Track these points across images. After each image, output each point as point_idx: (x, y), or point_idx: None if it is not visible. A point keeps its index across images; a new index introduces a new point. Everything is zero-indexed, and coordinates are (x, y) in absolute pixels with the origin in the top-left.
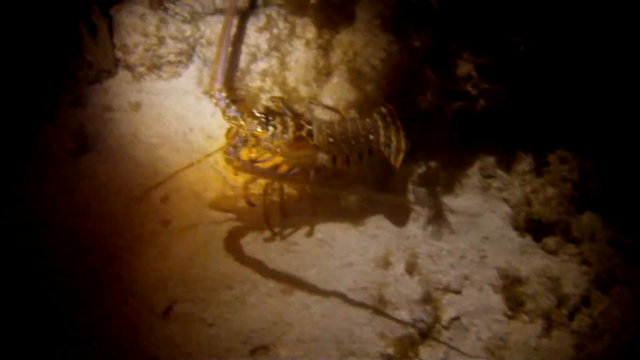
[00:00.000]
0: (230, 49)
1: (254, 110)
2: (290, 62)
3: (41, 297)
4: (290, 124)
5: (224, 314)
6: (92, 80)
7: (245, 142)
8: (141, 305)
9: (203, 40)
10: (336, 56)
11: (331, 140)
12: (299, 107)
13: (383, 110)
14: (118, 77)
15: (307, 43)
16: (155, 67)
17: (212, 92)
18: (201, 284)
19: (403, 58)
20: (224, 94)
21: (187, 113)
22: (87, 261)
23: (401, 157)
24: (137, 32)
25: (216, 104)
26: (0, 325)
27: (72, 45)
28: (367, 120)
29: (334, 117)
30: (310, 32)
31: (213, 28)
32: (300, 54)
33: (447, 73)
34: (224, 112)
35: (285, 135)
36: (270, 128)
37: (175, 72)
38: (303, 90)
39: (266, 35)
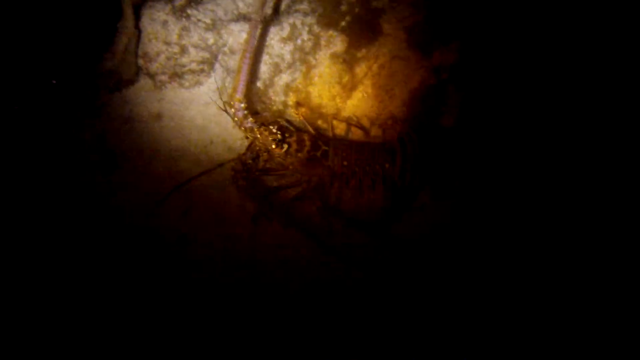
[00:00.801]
0: (253, 59)
1: (272, 126)
2: (314, 76)
3: None
4: (307, 142)
5: None
6: (113, 88)
7: (257, 157)
8: None
9: (226, 49)
10: (361, 70)
11: (345, 164)
12: (322, 123)
13: (405, 139)
14: (139, 85)
15: (333, 56)
16: (176, 75)
17: (232, 102)
18: None
19: (428, 75)
20: (242, 105)
21: (208, 124)
22: None
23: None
24: (159, 40)
25: (234, 115)
26: None
27: (97, 54)
28: (387, 147)
29: (356, 135)
30: (336, 45)
31: (236, 36)
32: (325, 68)
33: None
34: (240, 123)
35: (300, 154)
36: (285, 145)
37: (197, 81)
38: (327, 106)
39: (290, 46)
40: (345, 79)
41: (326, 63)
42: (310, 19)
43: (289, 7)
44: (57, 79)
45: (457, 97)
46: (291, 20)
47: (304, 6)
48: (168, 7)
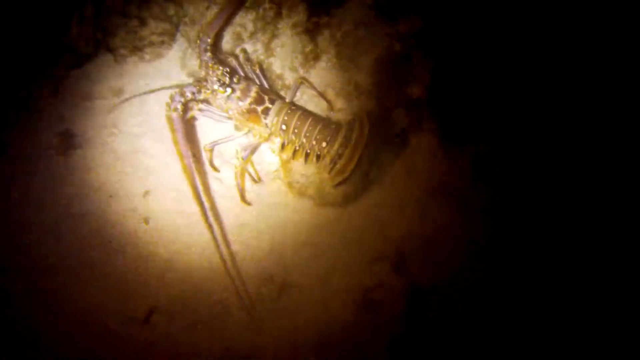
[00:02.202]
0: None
1: (225, 67)
2: (275, 47)
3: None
4: (253, 94)
5: None
6: (72, 64)
7: (199, 92)
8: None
9: (186, 19)
10: (324, 39)
11: (284, 128)
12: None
13: (356, 125)
14: (99, 60)
15: (295, 25)
16: (137, 49)
17: (200, 34)
18: None
19: (394, 42)
20: (209, 40)
21: None
22: (65, 264)
23: (339, 179)
24: (117, 13)
25: (197, 46)
26: None
27: (54, 31)
28: (333, 126)
29: (319, 107)
30: (299, 13)
31: (197, 6)
32: (287, 38)
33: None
34: (199, 55)
35: (240, 103)
36: (229, 89)
37: (158, 54)
38: (289, 77)
39: (252, 15)
40: (308, 48)
41: (288, 33)
42: None
43: None
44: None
45: (425, 65)
46: None
47: None
48: None
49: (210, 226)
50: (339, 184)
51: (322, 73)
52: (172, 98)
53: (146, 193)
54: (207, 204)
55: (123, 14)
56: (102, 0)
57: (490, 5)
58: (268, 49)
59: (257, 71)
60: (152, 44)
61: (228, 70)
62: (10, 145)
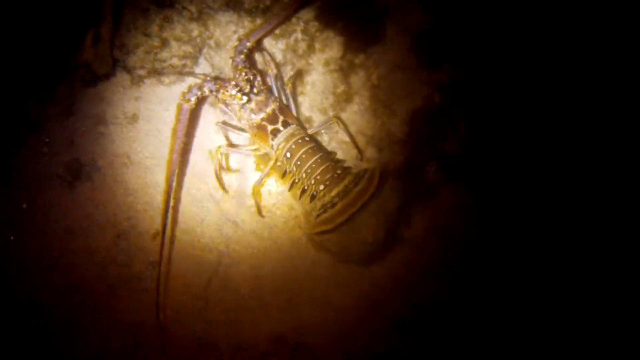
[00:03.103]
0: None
1: (251, 76)
2: (306, 83)
3: None
4: (268, 110)
5: None
6: (86, 82)
7: (217, 91)
8: None
9: (212, 42)
10: (358, 79)
11: (288, 156)
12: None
13: (364, 179)
14: (115, 80)
15: (328, 62)
16: (156, 71)
17: (242, 37)
18: None
19: (433, 91)
20: (248, 44)
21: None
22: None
23: (322, 228)
24: (138, 30)
25: (234, 47)
26: None
27: (68, 46)
28: (339, 172)
29: (349, 154)
30: (333, 49)
31: (224, 29)
32: (318, 75)
33: None
34: (233, 55)
35: (253, 116)
36: (245, 98)
37: (178, 78)
38: (318, 120)
39: (282, 44)
40: (341, 89)
41: (320, 70)
42: (307, 13)
43: None
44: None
45: (464, 121)
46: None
47: None
48: None
49: (164, 227)
50: (320, 233)
51: (353, 117)
52: (189, 89)
53: (156, 234)
54: (171, 203)
55: (144, 33)
56: (121, 15)
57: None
58: (297, 85)
59: (287, 91)
60: (172, 67)
61: (252, 78)
62: (15, 169)
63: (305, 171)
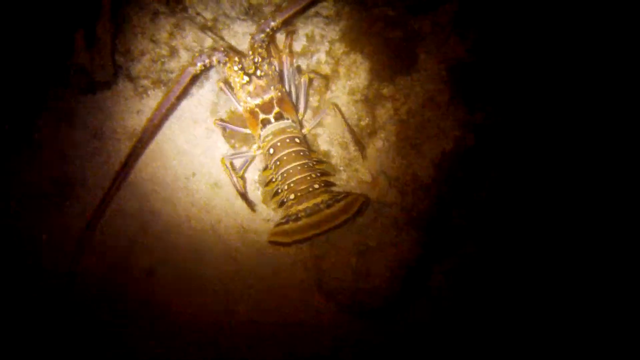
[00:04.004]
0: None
1: (264, 56)
2: (326, 114)
3: None
4: (266, 97)
5: None
6: (85, 89)
7: (224, 64)
8: None
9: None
10: (385, 112)
11: (271, 152)
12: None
13: (340, 203)
14: (116, 89)
15: (353, 91)
16: (161, 82)
17: (268, 15)
18: None
19: (468, 134)
20: (273, 24)
21: (193, 149)
22: None
23: (277, 239)
24: (146, 36)
25: (258, 25)
26: None
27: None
28: (316, 186)
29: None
30: (359, 76)
31: (240, 39)
32: (341, 105)
33: None
34: (255, 32)
35: (249, 99)
36: (246, 78)
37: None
38: (337, 155)
39: (302, 65)
40: (365, 121)
41: (344, 99)
42: (333, 32)
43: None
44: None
45: (500, 169)
46: (309, 29)
47: (329, 10)
48: None
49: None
50: (274, 243)
51: (376, 154)
52: (200, 53)
53: (150, 271)
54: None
55: (152, 39)
56: (126, 16)
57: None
58: (316, 114)
59: (302, 82)
60: None
61: (260, 60)
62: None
63: (282, 174)
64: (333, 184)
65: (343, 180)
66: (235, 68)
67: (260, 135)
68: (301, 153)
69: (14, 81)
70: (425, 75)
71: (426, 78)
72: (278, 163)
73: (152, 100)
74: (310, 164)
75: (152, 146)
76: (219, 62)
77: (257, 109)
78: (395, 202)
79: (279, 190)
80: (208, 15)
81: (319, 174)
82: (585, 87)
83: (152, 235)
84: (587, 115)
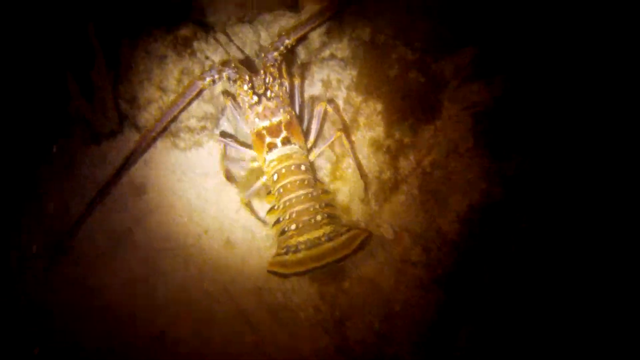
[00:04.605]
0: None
1: (276, 77)
2: (347, 167)
3: None
4: (274, 121)
5: None
6: (89, 139)
7: (234, 82)
8: None
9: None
10: (407, 164)
11: (275, 178)
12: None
13: (342, 238)
14: (122, 138)
15: (373, 142)
16: (170, 132)
17: (283, 33)
18: None
19: (496, 187)
20: (287, 42)
21: (204, 205)
22: None
23: (275, 270)
24: (153, 83)
25: (273, 43)
26: None
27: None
28: (319, 218)
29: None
30: (380, 125)
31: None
32: (362, 158)
33: None
34: (267, 50)
35: (256, 120)
36: (255, 98)
37: (195, 142)
38: (357, 211)
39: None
40: (387, 174)
41: (365, 151)
42: (349, 77)
43: (322, 46)
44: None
45: (530, 224)
46: (324, 74)
47: (343, 52)
48: (169, 38)
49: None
50: (273, 273)
51: (399, 209)
52: (210, 68)
53: (160, 336)
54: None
55: (159, 86)
56: (127, 61)
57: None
58: (336, 168)
59: (314, 111)
60: (189, 129)
61: (271, 81)
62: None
63: (284, 202)
64: (337, 216)
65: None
66: (245, 87)
67: (265, 160)
68: (306, 182)
69: (13, 131)
70: (449, 123)
71: (450, 126)
72: (281, 190)
73: (160, 153)
74: (315, 194)
75: (162, 203)
76: (228, 78)
77: (264, 132)
78: (420, 260)
79: (281, 219)
80: (217, 58)
81: (323, 205)
82: (618, 135)
83: (162, 297)
84: (620, 165)
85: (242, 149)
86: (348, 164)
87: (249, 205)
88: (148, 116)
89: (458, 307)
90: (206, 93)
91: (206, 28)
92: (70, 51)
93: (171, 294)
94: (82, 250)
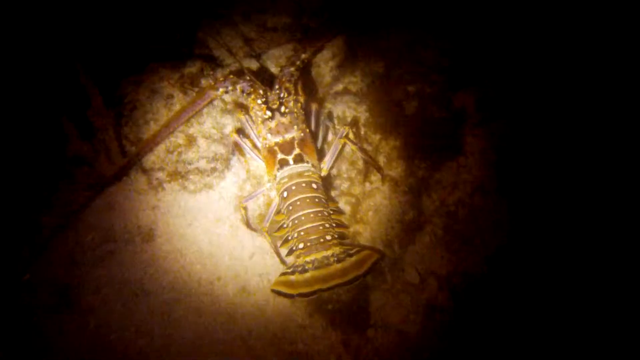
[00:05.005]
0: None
1: (292, 92)
2: (368, 209)
3: None
4: (287, 137)
5: None
6: (91, 184)
7: (248, 95)
8: None
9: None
10: (431, 203)
11: (284, 195)
12: None
13: (352, 259)
14: (128, 182)
15: (396, 182)
16: (179, 174)
17: (299, 47)
18: None
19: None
20: (304, 56)
21: (217, 251)
22: None
23: (280, 289)
24: (159, 124)
25: (289, 57)
26: None
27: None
28: (328, 237)
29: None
30: (400, 165)
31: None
32: (383, 199)
33: None
34: (284, 66)
35: (269, 136)
36: (269, 113)
37: (206, 184)
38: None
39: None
40: (410, 215)
41: (386, 191)
42: (366, 113)
43: (335, 80)
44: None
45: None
46: (339, 110)
47: (357, 85)
48: (176, 76)
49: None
50: (277, 293)
51: (423, 251)
52: (225, 78)
53: None
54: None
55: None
56: (131, 101)
57: None
58: (356, 211)
59: (329, 129)
60: (199, 170)
61: (286, 96)
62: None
63: (293, 220)
64: (345, 237)
65: (388, 283)
66: (259, 101)
67: (276, 177)
68: (316, 200)
69: (12, 178)
70: (473, 159)
71: (474, 163)
72: (290, 208)
73: (169, 196)
74: (326, 213)
75: (172, 250)
76: (242, 91)
77: (276, 148)
78: (449, 307)
79: (289, 238)
80: (227, 98)
81: (333, 225)
82: None
83: (175, 350)
84: None
85: (255, 155)
86: (369, 206)
87: (244, 210)
88: (155, 158)
89: (489, 356)
90: (215, 133)
91: (213, 64)
92: (67, 92)
93: (186, 347)
94: (91, 302)
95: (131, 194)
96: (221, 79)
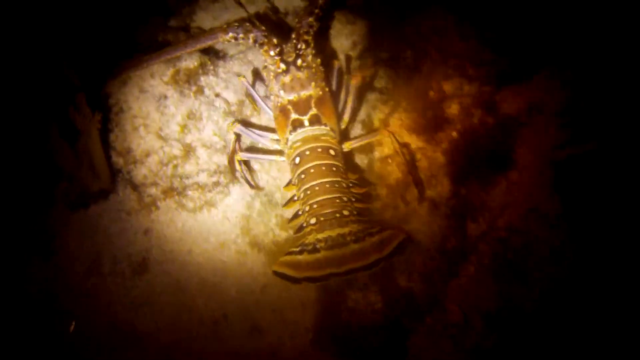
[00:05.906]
0: None
1: (310, 46)
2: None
3: None
4: (302, 94)
5: None
6: (74, 202)
7: (260, 45)
8: None
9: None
10: (477, 227)
11: (297, 161)
12: None
13: (374, 238)
14: (116, 200)
15: (435, 203)
16: (175, 191)
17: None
18: None
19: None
20: (321, 2)
21: (221, 282)
22: None
23: (284, 271)
24: (150, 130)
25: (305, 7)
26: None
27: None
28: (346, 213)
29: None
30: (441, 183)
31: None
32: (422, 224)
33: None
34: (302, 16)
35: (281, 92)
36: (283, 66)
37: (207, 202)
38: (418, 290)
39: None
40: (452, 242)
41: (423, 213)
42: (395, 115)
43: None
44: None
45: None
46: (363, 113)
47: (380, 81)
48: (169, 72)
49: None
50: (281, 276)
51: (468, 285)
52: (239, 23)
53: None
54: None
55: (158, 134)
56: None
57: None
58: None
59: (351, 89)
60: (198, 185)
61: (303, 48)
62: None
63: (305, 191)
64: (367, 216)
65: (426, 325)
66: (272, 53)
67: (287, 140)
68: (334, 168)
69: None
70: (525, 175)
71: (527, 179)
72: (303, 177)
73: (164, 215)
74: (344, 184)
75: (167, 283)
76: (255, 41)
77: (289, 106)
78: (497, 351)
79: (300, 212)
80: (231, 97)
81: (352, 199)
82: None
83: None
84: None
85: (261, 135)
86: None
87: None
88: (147, 171)
89: None
90: (217, 140)
91: (214, 57)
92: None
93: None
94: (82, 350)
95: (120, 215)
96: (236, 24)
